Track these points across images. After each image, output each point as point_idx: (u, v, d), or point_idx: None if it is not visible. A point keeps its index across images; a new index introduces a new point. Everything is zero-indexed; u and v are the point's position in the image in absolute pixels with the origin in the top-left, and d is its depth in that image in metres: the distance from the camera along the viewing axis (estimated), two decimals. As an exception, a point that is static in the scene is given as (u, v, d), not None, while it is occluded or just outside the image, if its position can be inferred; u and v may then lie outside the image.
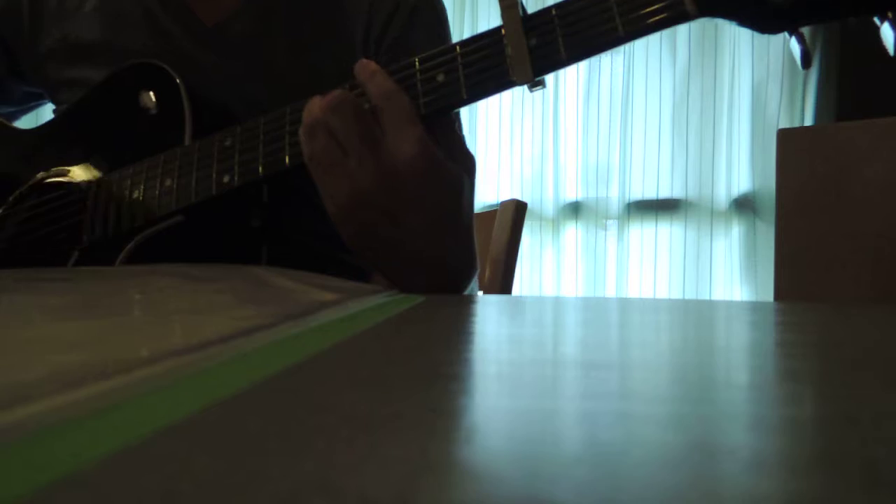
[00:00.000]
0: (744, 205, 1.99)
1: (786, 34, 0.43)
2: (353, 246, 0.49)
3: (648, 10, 0.43)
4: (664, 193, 2.02)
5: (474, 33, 0.48)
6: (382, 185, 0.46)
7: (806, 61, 0.43)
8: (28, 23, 0.71)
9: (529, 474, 0.09)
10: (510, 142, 2.08)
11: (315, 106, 0.47)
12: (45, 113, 0.74)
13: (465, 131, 0.75)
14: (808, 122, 1.92)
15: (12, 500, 0.08)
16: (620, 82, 2.03)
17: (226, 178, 0.52)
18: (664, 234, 2.02)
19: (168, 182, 0.54)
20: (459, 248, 0.51)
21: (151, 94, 0.59)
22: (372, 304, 0.31)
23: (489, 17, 2.08)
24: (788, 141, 0.98)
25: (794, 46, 0.43)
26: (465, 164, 0.50)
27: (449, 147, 0.49)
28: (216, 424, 0.11)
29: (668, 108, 2.02)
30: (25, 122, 0.75)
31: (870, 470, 0.10)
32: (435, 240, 0.48)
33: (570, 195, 2.06)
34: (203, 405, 0.12)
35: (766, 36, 0.43)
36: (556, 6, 0.45)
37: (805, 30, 0.43)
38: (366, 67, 0.48)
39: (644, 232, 2.03)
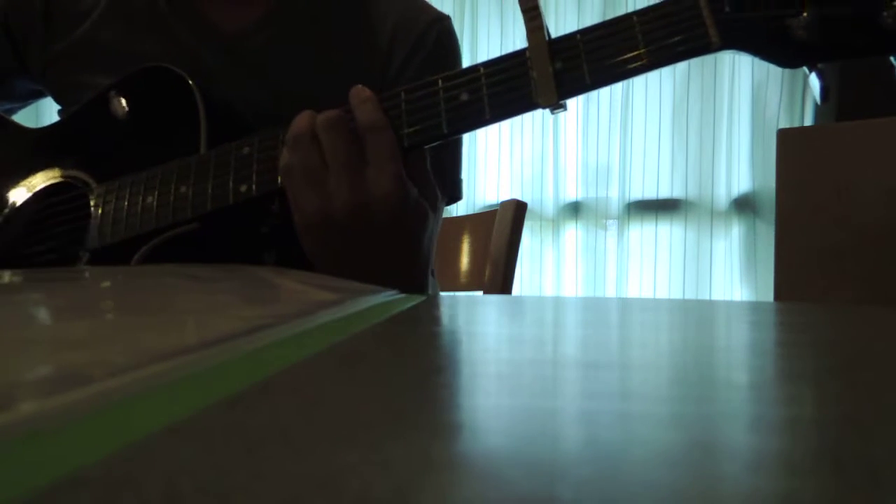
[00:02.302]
0: (744, 205, 1.99)
1: (805, 69, 0.44)
2: (310, 256, 0.50)
3: (673, 40, 0.43)
4: (664, 193, 2.01)
5: (473, 40, 0.48)
6: (354, 212, 0.47)
7: (825, 96, 0.44)
8: (40, 23, 0.71)
9: (530, 473, 0.09)
10: (510, 142, 2.08)
11: (305, 119, 0.48)
12: (45, 108, 0.74)
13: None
14: (808, 122, 1.92)
15: (12, 500, 0.08)
16: (620, 82, 2.03)
17: (243, 188, 0.51)
18: (664, 234, 2.02)
19: (183, 189, 0.54)
20: (411, 283, 0.52)
21: (158, 99, 0.59)
22: (372, 304, 0.31)
23: (489, 24, 2.08)
24: (788, 141, 0.98)
25: (814, 81, 0.44)
26: (431, 200, 0.51)
27: (420, 179, 0.50)
28: (216, 424, 0.11)
29: (668, 108, 2.01)
30: (23, 118, 0.75)
31: (870, 470, 0.10)
32: (389, 269, 0.49)
33: (570, 195, 2.06)
34: (203, 405, 0.12)
35: None
36: (580, 32, 0.46)
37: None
38: (359, 93, 0.48)
39: (644, 232, 2.03)
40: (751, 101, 1.97)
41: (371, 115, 0.47)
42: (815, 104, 1.90)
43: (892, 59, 0.42)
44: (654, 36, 0.44)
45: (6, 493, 0.08)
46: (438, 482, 0.09)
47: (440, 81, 0.48)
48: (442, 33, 0.69)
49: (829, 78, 0.43)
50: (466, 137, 0.75)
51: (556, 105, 0.46)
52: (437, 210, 0.52)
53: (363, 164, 0.47)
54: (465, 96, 0.47)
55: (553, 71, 0.45)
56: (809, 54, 0.43)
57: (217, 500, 0.08)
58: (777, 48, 0.43)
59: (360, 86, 0.49)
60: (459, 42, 0.73)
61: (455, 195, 0.72)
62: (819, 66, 0.44)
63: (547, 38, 0.46)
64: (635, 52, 0.44)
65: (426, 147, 0.49)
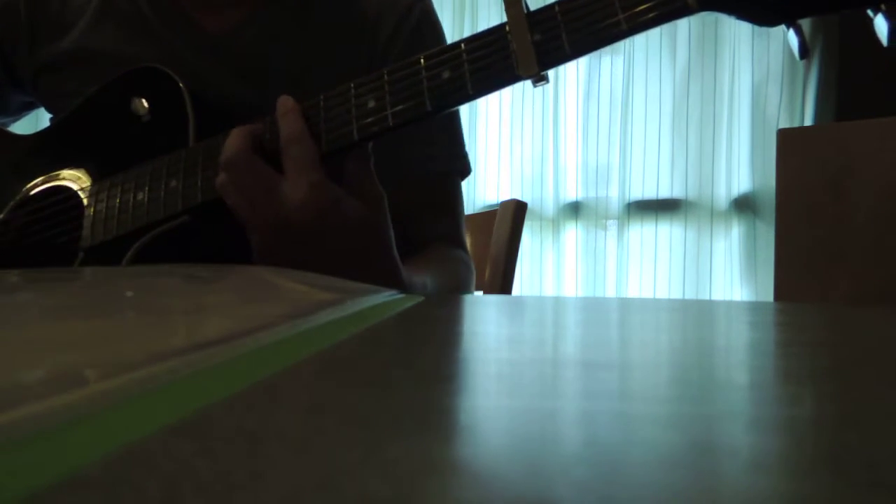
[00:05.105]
0: (744, 205, 1.99)
1: (783, 26, 0.44)
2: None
3: (650, 4, 0.44)
4: (664, 193, 2.01)
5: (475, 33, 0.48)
6: (276, 229, 0.48)
7: (803, 52, 0.44)
8: (27, 32, 0.71)
9: (529, 474, 0.09)
10: (510, 142, 2.08)
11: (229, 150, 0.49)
12: (43, 117, 0.74)
13: (466, 132, 0.76)
14: (808, 122, 1.92)
15: (12, 499, 0.08)
16: (620, 82, 2.03)
17: None
18: (664, 234, 2.02)
19: (173, 183, 0.54)
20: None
21: (148, 99, 0.59)
22: (372, 304, 0.31)
23: (489, 18, 2.08)
24: (788, 141, 0.98)
25: (792, 38, 0.44)
26: (372, 202, 0.50)
27: (359, 182, 0.50)
28: (216, 424, 0.11)
29: (668, 108, 2.01)
30: (25, 125, 0.75)
31: (870, 470, 0.10)
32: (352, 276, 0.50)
33: (570, 195, 2.06)
34: (203, 405, 0.12)
35: (765, 35, 0.44)
36: (558, 3, 0.46)
37: (805, 25, 0.43)
38: (283, 105, 0.49)
39: (644, 232, 2.03)
40: (751, 101, 1.97)
41: (291, 126, 0.48)
42: (815, 104, 1.89)
43: (869, 11, 0.41)
44: (632, 1, 0.44)
45: (6, 492, 0.08)
46: (438, 483, 0.09)
47: (422, 60, 0.48)
48: (423, 13, 0.70)
49: (806, 34, 0.43)
50: (466, 138, 0.76)
51: (537, 77, 0.46)
52: (381, 209, 0.51)
53: (276, 182, 0.48)
54: (447, 73, 0.47)
55: (532, 42, 0.45)
56: (787, 10, 0.43)
57: (217, 500, 0.08)
58: (754, 6, 0.43)
59: (284, 96, 0.50)
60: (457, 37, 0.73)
61: (464, 170, 0.72)
62: (797, 22, 0.44)
63: (525, 10, 0.46)
64: (613, 19, 0.44)
65: (413, 124, 0.49)
